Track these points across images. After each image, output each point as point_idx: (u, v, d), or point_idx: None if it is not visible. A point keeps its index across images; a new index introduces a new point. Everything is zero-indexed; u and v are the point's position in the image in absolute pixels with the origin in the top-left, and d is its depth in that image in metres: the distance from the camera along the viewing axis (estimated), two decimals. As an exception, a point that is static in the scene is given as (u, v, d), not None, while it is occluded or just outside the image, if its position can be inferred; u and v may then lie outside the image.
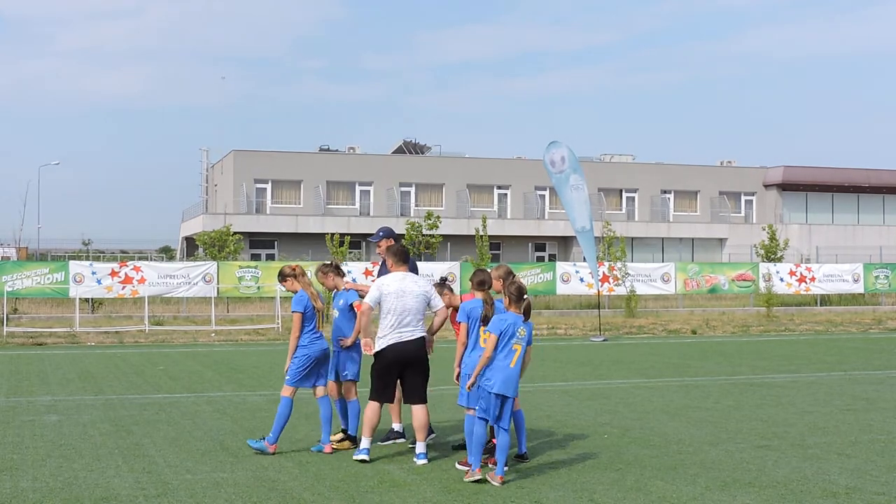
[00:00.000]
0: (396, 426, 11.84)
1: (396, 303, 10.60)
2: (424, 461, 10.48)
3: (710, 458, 10.82)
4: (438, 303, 10.81)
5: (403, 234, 45.80)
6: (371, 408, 10.67)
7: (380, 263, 12.45)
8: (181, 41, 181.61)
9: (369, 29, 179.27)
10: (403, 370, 10.71)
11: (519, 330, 9.75)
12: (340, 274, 12.01)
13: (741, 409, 14.32)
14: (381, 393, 10.73)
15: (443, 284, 11.48)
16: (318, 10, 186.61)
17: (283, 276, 11.73)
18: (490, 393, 9.63)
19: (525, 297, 9.94)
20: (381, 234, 11.97)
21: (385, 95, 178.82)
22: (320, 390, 11.37)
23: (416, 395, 10.73)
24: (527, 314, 9.90)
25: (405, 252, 11.08)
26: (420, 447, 10.61)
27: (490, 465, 10.25)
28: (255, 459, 10.69)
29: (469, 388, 9.86)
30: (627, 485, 9.53)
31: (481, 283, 10.59)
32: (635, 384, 17.46)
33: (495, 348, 9.70)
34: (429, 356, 10.97)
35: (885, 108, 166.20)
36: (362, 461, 10.49)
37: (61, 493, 9.16)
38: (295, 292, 11.57)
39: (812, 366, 20.66)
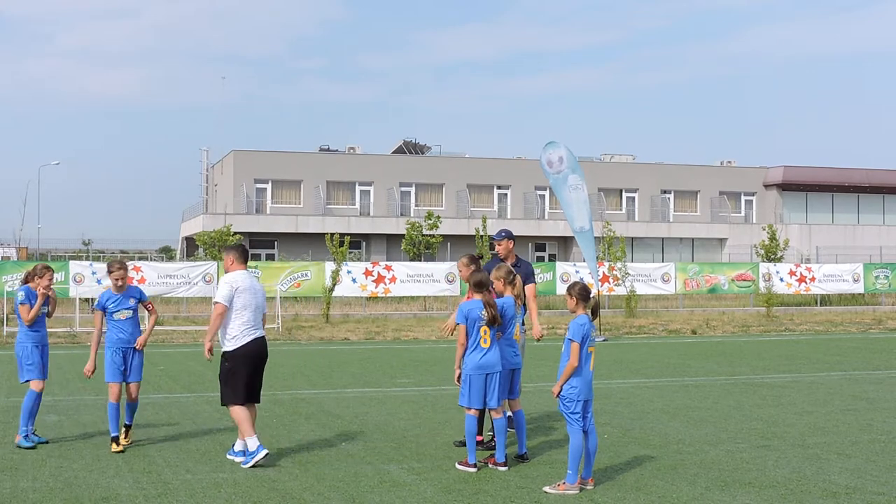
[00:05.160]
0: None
1: (252, 299, 10.58)
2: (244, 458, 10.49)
3: (711, 458, 10.83)
4: (266, 306, 10.96)
5: (403, 234, 45.80)
6: (236, 410, 10.51)
7: (492, 260, 12.50)
8: (181, 41, 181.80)
9: (369, 29, 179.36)
10: (256, 369, 10.65)
11: (593, 332, 9.59)
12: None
13: (741, 409, 14.33)
14: (238, 394, 10.52)
15: (474, 260, 11.41)
16: (317, 11, 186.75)
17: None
18: (577, 401, 9.42)
19: (592, 296, 9.77)
20: (503, 234, 12.22)
21: (385, 95, 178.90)
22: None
23: (259, 395, 10.82)
24: (595, 314, 9.71)
25: (245, 251, 11.07)
26: (240, 445, 10.59)
27: (490, 465, 10.27)
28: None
29: (556, 395, 9.52)
30: (627, 485, 9.53)
31: (479, 284, 10.51)
32: (635, 384, 17.46)
33: (579, 355, 9.44)
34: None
35: (885, 108, 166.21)
36: (265, 456, 10.34)
37: (61, 493, 9.16)
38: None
39: (812, 366, 20.66)
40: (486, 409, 10.50)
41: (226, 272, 10.90)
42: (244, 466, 10.34)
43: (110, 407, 11.39)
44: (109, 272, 11.62)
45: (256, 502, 8.85)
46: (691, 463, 10.55)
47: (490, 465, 10.27)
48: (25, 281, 11.94)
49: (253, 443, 10.42)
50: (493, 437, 10.63)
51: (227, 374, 10.59)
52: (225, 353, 10.61)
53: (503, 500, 8.98)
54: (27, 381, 11.83)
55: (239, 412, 10.51)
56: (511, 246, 12.22)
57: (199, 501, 8.87)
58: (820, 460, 10.70)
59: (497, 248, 12.18)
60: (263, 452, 10.37)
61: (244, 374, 10.56)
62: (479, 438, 10.87)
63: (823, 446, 11.50)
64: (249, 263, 39.26)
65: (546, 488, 9.32)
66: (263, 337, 10.76)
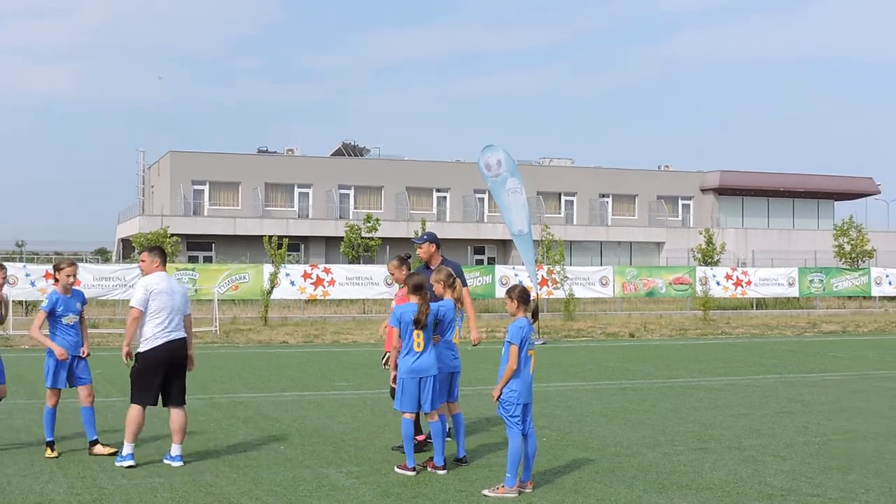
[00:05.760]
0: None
1: (168, 301, 10.55)
2: (180, 463, 10.51)
3: (648, 460, 10.89)
4: (189, 307, 10.92)
5: (342, 237, 45.66)
6: (136, 411, 10.54)
7: (421, 266, 12.31)
8: (116, 39, 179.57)
9: (307, 29, 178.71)
10: (170, 371, 10.61)
11: (532, 335, 9.56)
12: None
13: (678, 412, 14.43)
14: (146, 395, 10.56)
15: (404, 261, 11.49)
16: (256, 10, 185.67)
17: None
18: (517, 404, 9.41)
19: (532, 298, 9.75)
20: (424, 237, 12.03)
21: (324, 97, 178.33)
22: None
23: (181, 397, 10.76)
24: (534, 316, 9.69)
25: (165, 252, 11.10)
26: (177, 449, 10.60)
27: (429, 468, 10.25)
28: (192, 464, 10.59)
29: (496, 399, 9.49)
30: (566, 488, 9.56)
31: (418, 286, 10.48)
32: (574, 387, 17.53)
33: (518, 358, 9.40)
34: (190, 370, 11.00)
35: (819, 114, 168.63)
36: (129, 467, 10.35)
37: (-7, 499, 9.02)
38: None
39: (748, 369, 20.87)
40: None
41: (144, 274, 10.80)
42: (117, 463, 10.46)
43: (48, 412, 11.20)
44: (60, 269, 11.27)
45: (193, 507, 8.76)
46: (629, 466, 10.60)
47: (429, 469, 10.25)
48: None
49: (127, 448, 10.48)
50: (430, 439, 10.61)
51: (135, 375, 10.61)
52: (137, 353, 10.58)
53: (442, 503, 8.96)
54: None
55: (135, 414, 10.52)
56: (433, 249, 11.99)
57: (135, 507, 8.77)
58: (756, 462, 10.80)
59: (418, 251, 12.08)
60: (129, 462, 10.40)
61: (153, 376, 10.53)
62: (419, 439, 10.85)
63: (759, 448, 11.61)
64: (187, 265, 38.98)
65: (485, 491, 9.32)
66: (181, 339, 10.67)
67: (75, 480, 9.80)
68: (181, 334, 10.68)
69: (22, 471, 10.25)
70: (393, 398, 11.21)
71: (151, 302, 10.48)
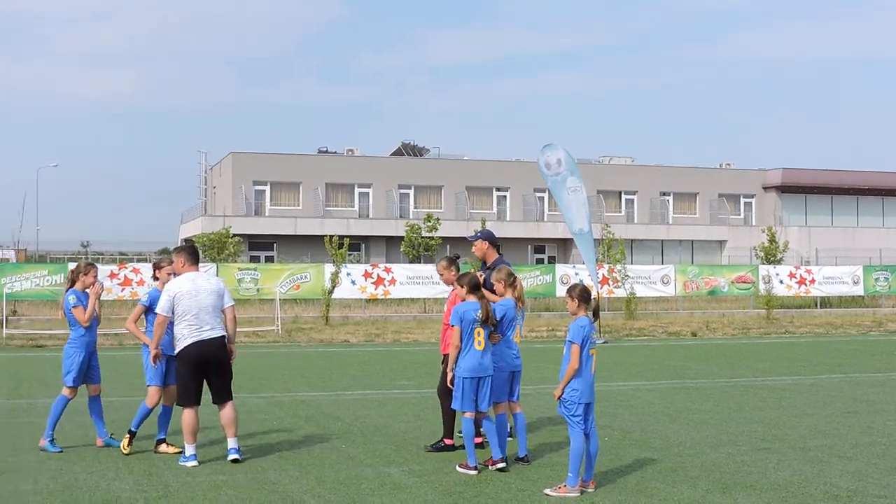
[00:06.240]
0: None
1: (192, 302, 10.57)
2: (237, 455, 10.61)
3: (711, 460, 10.81)
4: (229, 300, 10.88)
5: (402, 236, 45.79)
6: (187, 414, 10.60)
7: (482, 265, 12.31)
8: (177, 42, 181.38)
9: (366, 29, 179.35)
10: (208, 370, 10.67)
11: (593, 334, 9.55)
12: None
13: (742, 412, 14.31)
14: (188, 395, 10.63)
15: (453, 262, 11.53)
16: (316, 11, 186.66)
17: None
18: (579, 403, 9.40)
19: (592, 297, 9.71)
20: (478, 234, 12.08)
21: (383, 97, 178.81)
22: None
23: (224, 394, 10.78)
24: (595, 315, 9.68)
25: (196, 252, 11.14)
26: (232, 443, 10.68)
27: (490, 466, 10.25)
28: (255, 462, 10.69)
29: (557, 398, 9.48)
30: (629, 487, 9.52)
31: (476, 286, 10.49)
32: (636, 386, 17.45)
33: (580, 357, 9.37)
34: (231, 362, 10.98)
35: (883, 110, 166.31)
36: (192, 466, 10.43)
37: (61, 495, 9.15)
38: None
39: (812, 368, 20.65)
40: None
41: (176, 275, 10.90)
42: (181, 464, 10.54)
43: (146, 409, 11.32)
44: (160, 268, 11.51)
45: (257, 505, 8.84)
46: (692, 465, 10.53)
47: (489, 467, 10.24)
48: (71, 283, 11.71)
49: (189, 450, 10.61)
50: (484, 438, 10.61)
51: (176, 376, 10.80)
52: (176, 355, 10.73)
53: (504, 502, 8.96)
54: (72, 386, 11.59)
55: (186, 416, 10.62)
56: (485, 247, 12.00)
57: (200, 504, 8.87)
58: (821, 463, 10.69)
59: (473, 248, 12.11)
60: (193, 463, 10.49)
61: (188, 376, 10.63)
62: (478, 441, 10.85)
63: (824, 449, 11.48)
64: (249, 265, 39.29)
65: (547, 490, 9.31)
66: (214, 338, 10.64)
67: (141, 477, 9.92)
68: (215, 333, 10.67)
69: (89, 468, 10.40)
70: (440, 397, 11.27)
71: (176, 305, 10.60)
